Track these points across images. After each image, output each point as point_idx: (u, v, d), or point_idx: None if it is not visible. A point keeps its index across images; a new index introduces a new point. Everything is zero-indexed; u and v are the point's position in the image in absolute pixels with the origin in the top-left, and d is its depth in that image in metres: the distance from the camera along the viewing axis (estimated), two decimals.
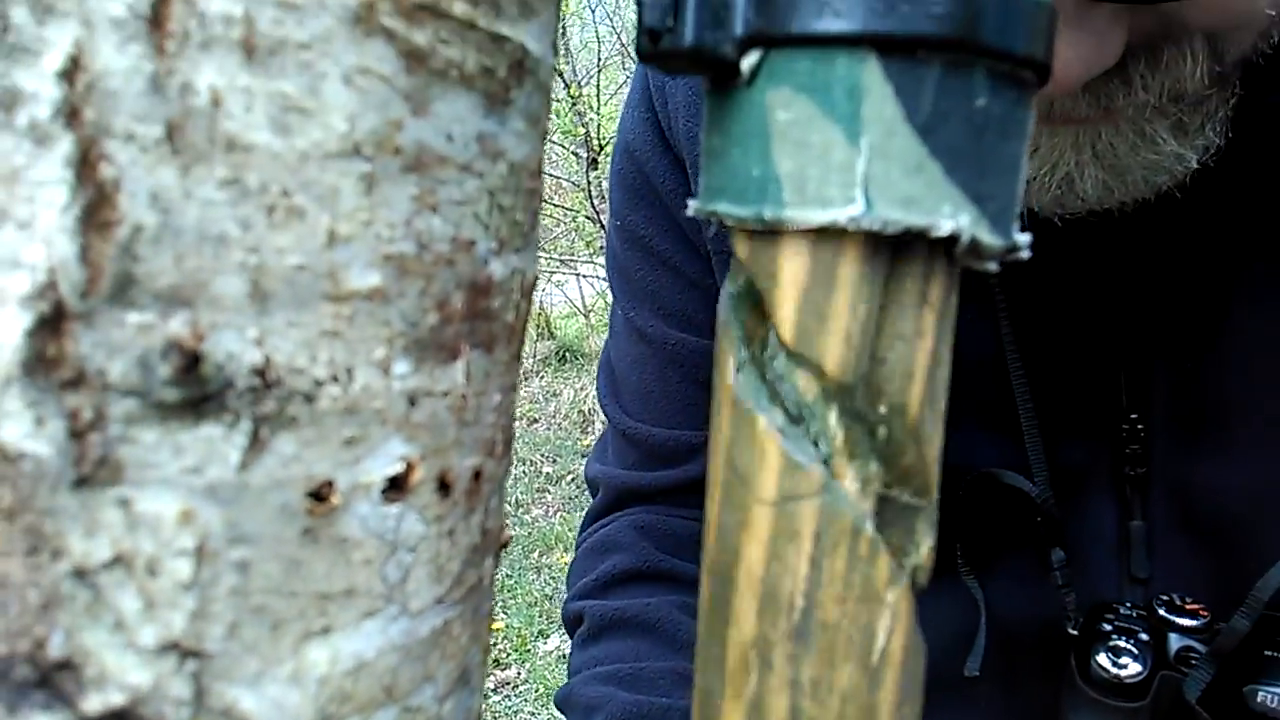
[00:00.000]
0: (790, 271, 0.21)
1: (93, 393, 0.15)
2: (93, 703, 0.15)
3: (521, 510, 3.76)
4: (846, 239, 0.21)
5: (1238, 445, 0.59)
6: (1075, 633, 0.57)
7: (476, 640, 0.23)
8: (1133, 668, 0.53)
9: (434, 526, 0.20)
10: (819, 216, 0.20)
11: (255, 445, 0.17)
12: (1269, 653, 0.52)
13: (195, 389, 0.16)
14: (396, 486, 0.19)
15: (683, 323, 0.73)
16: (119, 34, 0.15)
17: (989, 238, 0.21)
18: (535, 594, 3.15)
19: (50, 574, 0.15)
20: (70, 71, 0.15)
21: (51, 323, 0.15)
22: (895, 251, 0.21)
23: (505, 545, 0.25)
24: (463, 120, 0.19)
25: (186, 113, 0.16)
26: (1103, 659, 0.53)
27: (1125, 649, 0.54)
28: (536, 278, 0.24)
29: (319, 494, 0.18)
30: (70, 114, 0.15)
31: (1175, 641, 0.54)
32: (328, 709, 0.18)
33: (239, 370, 0.16)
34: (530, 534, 3.48)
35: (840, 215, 0.20)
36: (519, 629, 2.97)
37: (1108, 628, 0.55)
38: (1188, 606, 0.56)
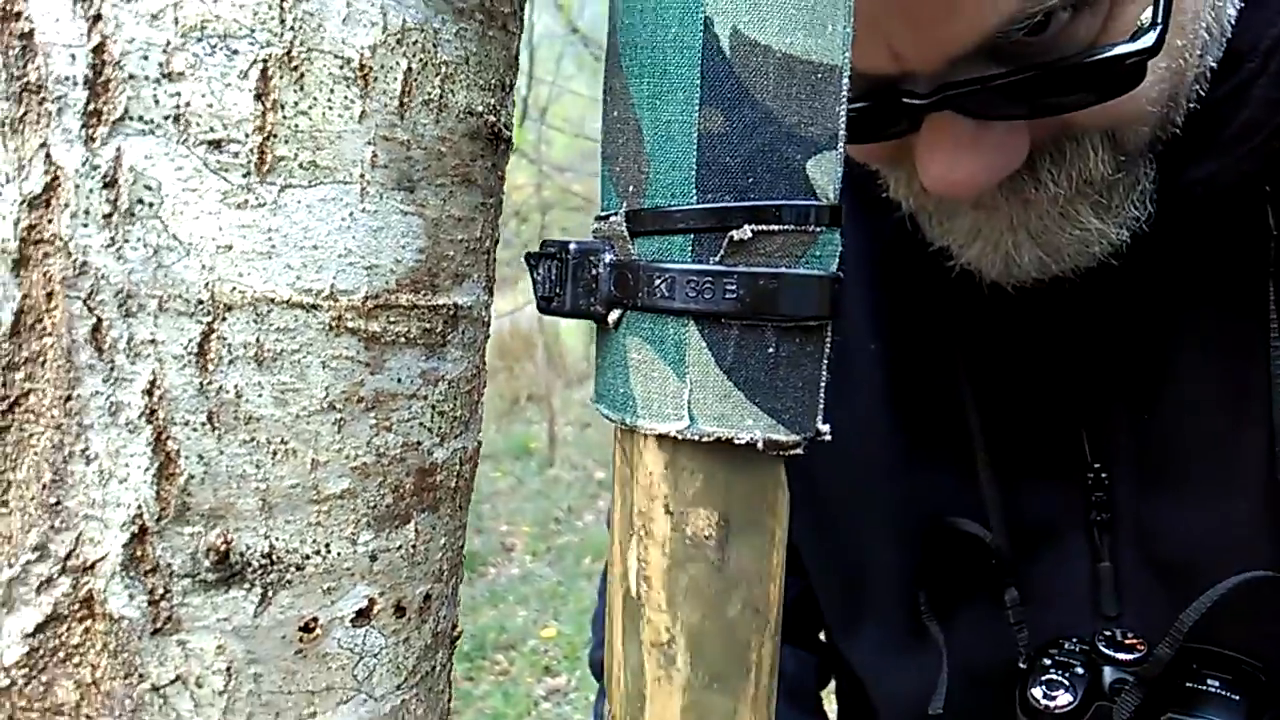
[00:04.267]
0: (645, 458, 0.31)
1: (163, 577, 0.26)
2: None
3: (573, 516, 3.87)
4: (681, 441, 0.30)
5: (1192, 489, 0.65)
6: (1024, 667, 0.65)
7: (432, 711, 0.33)
8: (1063, 699, 0.61)
9: (392, 638, 0.31)
10: (660, 428, 0.30)
11: (264, 601, 0.27)
12: (1189, 684, 0.60)
13: (225, 571, 0.26)
14: (363, 615, 0.30)
15: None
16: (178, 363, 0.25)
17: (783, 437, 0.30)
18: (585, 601, 3.26)
19: (138, 689, 0.26)
20: (150, 389, 0.25)
21: (138, 537, 0.26)
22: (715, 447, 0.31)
23: (457, 638, 0.35)
24: (408, 367, 0.30)
25: (220, 404, 0.26)
26: (1037, 691, 0.62)
27: (1059, 681, 0.62)
28: (480, 444, 0.34)
29: (307, 627, 0.28)
30: (150, 414, 0.25)
31: (1110, 674, 0.62)
32: None
33: (254, 556, 0.27)
34: (581, 540, 3.60)
35: (672, 428, 0.30)
36: (569, 636, 3.08)
37: (1048, 662, 0.63)
38: (1127, 641, 0.64)
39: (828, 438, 0.32)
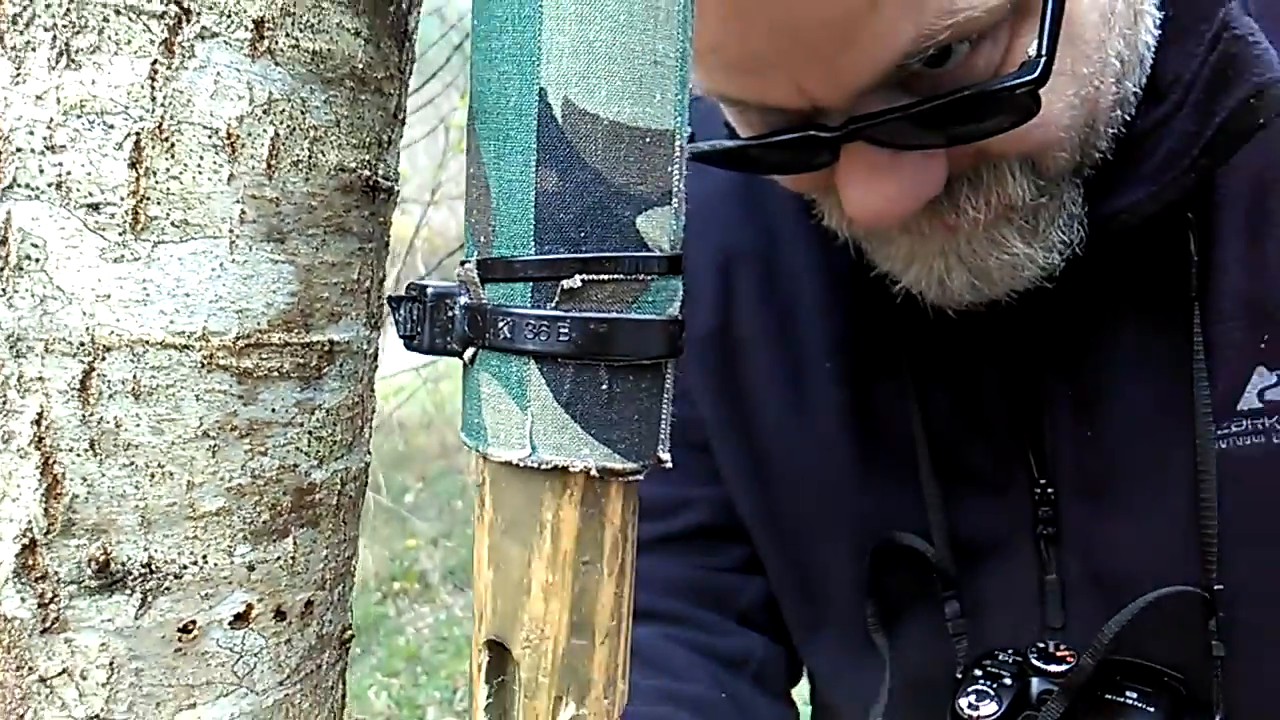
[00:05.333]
0: (492, 480, 0.34)
1: (50, 583, 0.30)
2: None
3: None
4: (522, 469, 0.34)
5: (1129, 505, 0.68)
6: (959, 678, 0.68)
7: (320, 705, 0.37)
8: (987, 708, 0.64)
9: (273, 639, 0.34)
10: (505, 455, 0.34)
11: (144, 605, 0.31)
12: (1108, 695, 0.62)
13: (107, 579, 0.30)
14: (240, 619, 0.33)
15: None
16: (63, 397, 0.29)
17: (620, 465, 0.34)
18: None
19: (27, 680, 0.30)
20: (38, 420, 0.29)
21: (29, 548, 0.30)
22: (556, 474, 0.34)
23: (349, 640, 0.39)
24: (283, 397, 0.33)
25: (101, 433, 0.30)
26: (963, 702, 0.64)
27: (986, 692, 0.64)
28: (367, 463, 0.38)
29: (186, 628, 0.32)
30: (38, 441, 0.29)
31: (1038, 685, 0.65)
32: None
33: (134, 565, 0.31)
34: None
35: (514, 456, 0.33)
36: None
37: (979, 673, 0.66)
38: (1058, 653, 0.66)
39: (667, 464, 0.35)
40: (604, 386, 0.33)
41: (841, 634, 0.79)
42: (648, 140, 0.32)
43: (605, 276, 0.32)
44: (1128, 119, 0.59)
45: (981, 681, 0.66)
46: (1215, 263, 0.61)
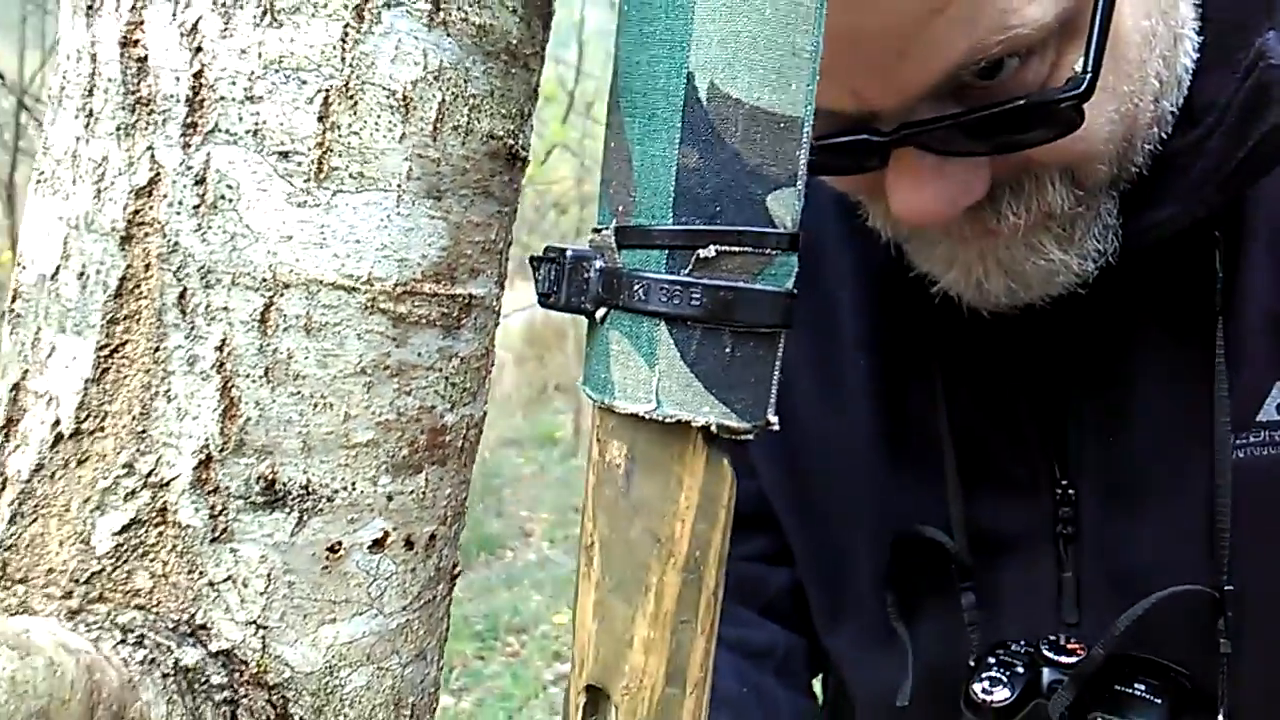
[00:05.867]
0: (617, 433, 0.37)
1: (221, 497, 0.33)
2: (214, 645, 0.33)
3: None
4: (646, 421, 0.36)
5: (1148, 508, 0.71)
6: (972, 665, 0.71)
7: (432, 634, 0.40)
8: (1000, 694, 0.67)
9: (401, 566, 0.37)
10: (632, 408, 0.36)
11: (300, 524, 0.34)
12: (1118, 686, 0.66)
13: (271, 496, 0.33)
14: (378, 544, 0.36)
15: None
16: (245, 327, 0.32)
17: (735, 424, 0.36)
18: None
19: (198, 584, 0.33)
20: (221, 347, 0.32)
21: (204, 464, 0.32)
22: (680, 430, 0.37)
23: (456, 575, 0.42)
24: (428, 344, 0.36)
25: (275, 362, 0.33)
26: (977, 687, 0.68)
27: (999, 678, 0.68)
28: (485, 413, 0.41)
29: (333, 549, 0.35)
30: (220, 366, 0.32)
31: (1049, 675, 0.68)
32: (332, 661, 0.35)
33: (294, 486, 0.34)
34: None
35: (641, 409, 0.36)
36: None
37: (993, 661, 0.69)
38: (1069, 645, 0.69)
39: (775, 428, 0.38)
40: (726, 350, 0.36)
41: (864, 622, 0.82)
42: (781, 126, 0.35)
43: (735, 249, 0.35)
44: (1164, 137, 0.63)
45: (995, 669, 0.69)
46: (1241, 280, 0.64)
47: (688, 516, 0.38)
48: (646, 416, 0.36)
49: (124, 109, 0.33)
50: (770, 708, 0.82)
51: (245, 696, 0.33)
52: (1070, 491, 0.74)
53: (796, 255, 0.37)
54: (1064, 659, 0.69)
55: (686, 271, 0.35)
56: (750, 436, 0.38)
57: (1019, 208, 0.61)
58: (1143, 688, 0.66)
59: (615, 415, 0.37)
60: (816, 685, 0.95)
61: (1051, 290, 0.65)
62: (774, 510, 0.86)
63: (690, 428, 0.37)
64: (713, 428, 0.36)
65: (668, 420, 0.36)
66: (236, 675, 0.33)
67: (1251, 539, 0.65)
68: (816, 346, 0.81)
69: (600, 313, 0.37)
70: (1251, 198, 0.65)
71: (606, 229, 0.37)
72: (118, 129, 0.33)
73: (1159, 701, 0.65)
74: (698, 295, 0.35)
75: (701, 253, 0.35)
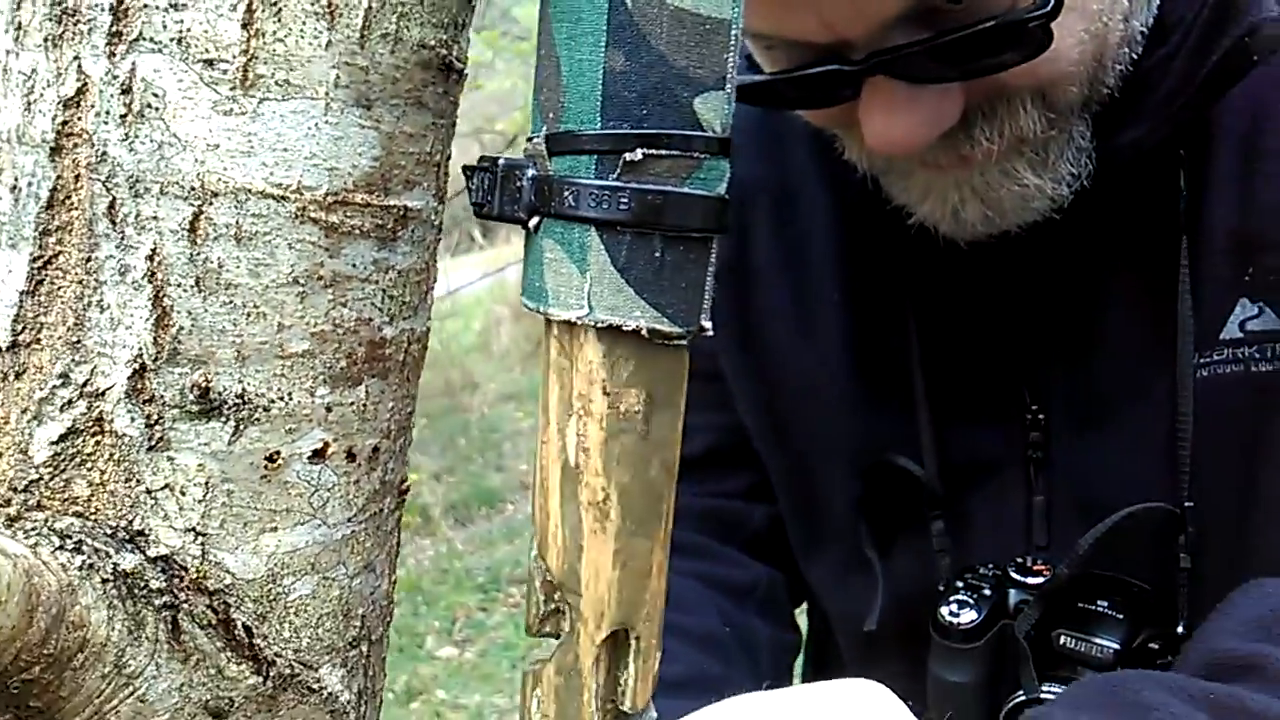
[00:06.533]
0: (585, 350, 0.37)
1: (157, 406, 0.33)
2: (152, 551, 0.33)
3: None
4: (580, 326, 0.37)
5: (1115, 431, 0.72)
6: (942, 590, 0.72)
7: (380, 547, 0.41)
8: (967, 616, 0.68)
9: (343, 478, 0.38)
10: (565, 315, 0.37)
11: (237, 433, 0.35)
12: (1081, 604, 0.67)
13: (206, 405, 0.34)
14: (318, 455, 0.37)
15: None
16: (174, 236, 0.32)
17: (667, 328, 0.37)
18: None
19: (135, 491, 0.33)
20: (151, 256, 0.32)
21: (139, 373, 0.33)
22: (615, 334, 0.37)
23: (405, 491, 0.42)
24: (362, 255, 0.36)
25: (206, 271, 0.33)
26: (944, 610, 0.69)
27: (967, 601, 0.69)
28: (428, 328, 0.41)
29: (271, 458, 0.35)
30: (151, 276, 0.32)
31: (1015, 596, 0.69)
32: (274, 569, 0.36)
33: (229, 395, 0.34)
34: None
35: (573, 315, 0.37)
36: None
37: (960, 585, 0.70)
38: (1035, 567, 0.70)
39: (710, 333, 0.38)
40: (657, 254, 0.36)
41: (838, 550, 0.83)
42: (707, 27, 0.35)
43: (663, 152, 0.35)
44: (1135, 57, 0.63)
45: (962, 592, 0.70)
46: (1205, 199, 0.64)
47: (680, 438, 0.39)
48: (579, 322, 0.37)
49: (51, 19, 0.33)
50: (751, 646, 0.83)
51: (186, 601, 0.34)
52: (1040, 417, 0.74)
53: (728, 161, 0.37)
54: (1030, 580, 0.70)
55: (615, 176, 0.36)
56: (684, 342, 0.38)
57: (992, 132, 0.61)
58: (1105, 604, 0.67)
59: (629, 364, 0.37)
60: (802, 618, 0.96)
61: (1027, 217, 0.66)
62: (752, 444, 0.86)
63: (684, 356, 0.37)
64: (644, 332, 0.37)
65: (599, 325, 0.36)
66: (176, 580, 0.34)
67: (1212, 456, 0.66)
68: (792, 283, 0.82)
69: (534, 221, 0.37)
70: (1216, 116, 0.65)
71: (538, 137, 0.37)
72: (45, 40, 0.33)
73: (1121, 617, 0.66)
74: (626, 200, 0.35)
75: (629, 156, 0.35)
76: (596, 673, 0.39)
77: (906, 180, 0.67)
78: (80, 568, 0.32)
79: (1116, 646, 0.65)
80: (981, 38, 0.55)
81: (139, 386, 0.33)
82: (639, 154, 0.35)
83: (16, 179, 0.34)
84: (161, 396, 0.34)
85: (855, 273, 0.79)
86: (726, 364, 0.85)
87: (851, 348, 0.80)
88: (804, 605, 0.96)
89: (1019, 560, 0.72)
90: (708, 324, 0.38)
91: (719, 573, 0.86)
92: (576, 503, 0.39)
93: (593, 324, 0.37)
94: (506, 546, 3.94)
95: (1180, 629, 0.66)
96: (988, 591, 0.69)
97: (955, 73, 0.58)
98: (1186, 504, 0.66)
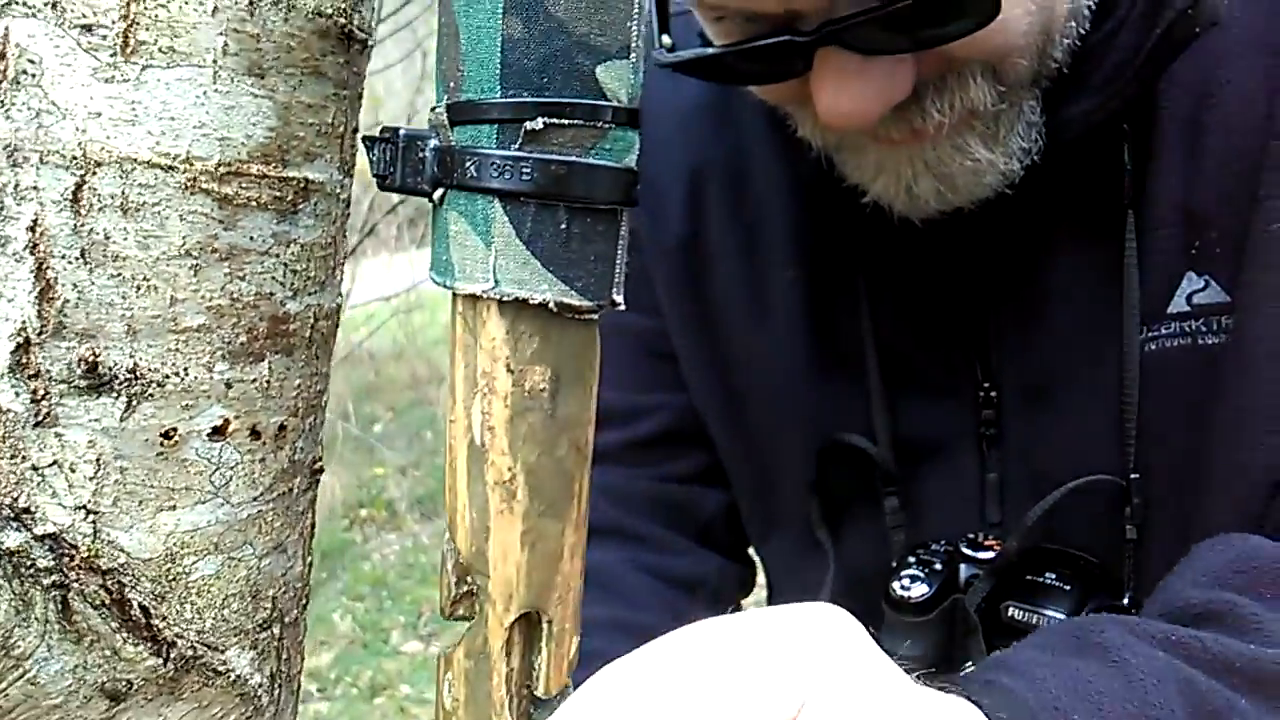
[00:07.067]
0: (488, 326, 0.37)
1: (43, 381, 0.33)
2: (39, 529, 0.33)
3: None
4: (485, 300, 0.36)
5: (1064, 406, 0.72)
6: (894, 566, 0.72)
7: (291, 527, 0.40)
8: (918, 590, 0.68)
9: (248, 456, 0.37)
10: (470, 288, 0.36)
11: (129, 408, 0.34)
12: (1030, 577, 0.67)
13: (95, 380, 0.33)
14: (218, 432, 0.36)
15: (630, 303, 0.87)
16: (56, 207, 0.32)
17: (576, 301, 0.36)
18: None
19: (20, 468, 0.33)
20: (33, 227, 0.32)
21: (23, 347, 0.32)
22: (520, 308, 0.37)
23: (319, 471, 0.42)
24: (260, 227, 0.36)
25: (92, 243, 0.32)
26: (896, 585, 0.69)
27: (918, 576, 0.69)
28: (339, 305, 0.41)
29: (167, 434, 0.35)
30: (33, 248, 0.32)
31: (966, 570, 0.69)
32: (173, 548, 0.35)
33: (120, 370, 0.33)
34: None
35: (479, 289, 0.36)
36: None
37: (912, 560, 0.70)
38: (986, 542, 0.70)
39: (621, 307, 0.38)
40: (562, 226, 0.36)
41: (792, 530, 0.83)
42: None
43: (565, 121, 0.35)
44: (1082, 31, 0.62)
45: (914, 567, 0.70)
46: (1151, 172, 0.64)
47: (592, 420, 0.39)
48: (485, 296, 0.36)
49: None
50: None
51: (76, 581, 0.33)
52: (993, 394, 0.74)
53: (635, 132, 0.37)
54: (981, 555, 0.70)
55: (517, 146, 0.35)
56: (594, 316, 0.38)
57: (943, 105, 0.60)
58: (1054, 576, 0.67)
59: (533, 341, 0.37)
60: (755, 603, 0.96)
61: (979, 193, 0.65)
62: (705, 426, 0.86)
63: (594, 332, 0.37)
64: (552, 305, 0.36)
65: (504, 299, 0.36)
66: (66, 559, 0.33)
67: (1159, 428, 0.66)
68: (747, 262, 0.81)
69: (438, 193, 0.37)
70: (1160, 90, 0.64)
71: (440, 106, 0.36)
72: None
73: (1069, 588, 0.66)
74: (528, 170, 0.35)
75: (530, 125, 0.35)
76: (507, 656, 0.39)
77: (859, 157, 0.67)
78: None
79: (1063, 617, 0.65)
80: (930, 6, 0.54)
81: (23, 361, 0.33)
82: (540, 123, 0.35)
83: None
84: (48, 371, 0.33)
85: (809, 252, 0.79)
86: (680, 344, 0.84)
87: (806, 328, 0.79)
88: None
89: (971, 536, 0.72)
90: (619, 297, 0.38)
91: (670, 565, 0.85)
92: (484, 483, 0.38)
93: (498, 297, 0.36)
94: None
95: (1126, 600, 0.66)
96: (939, 566, 0.69)
97: (906, 43, 0.57)
98: (1133, 476, 0.66)
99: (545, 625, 0.39)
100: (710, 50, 0.64)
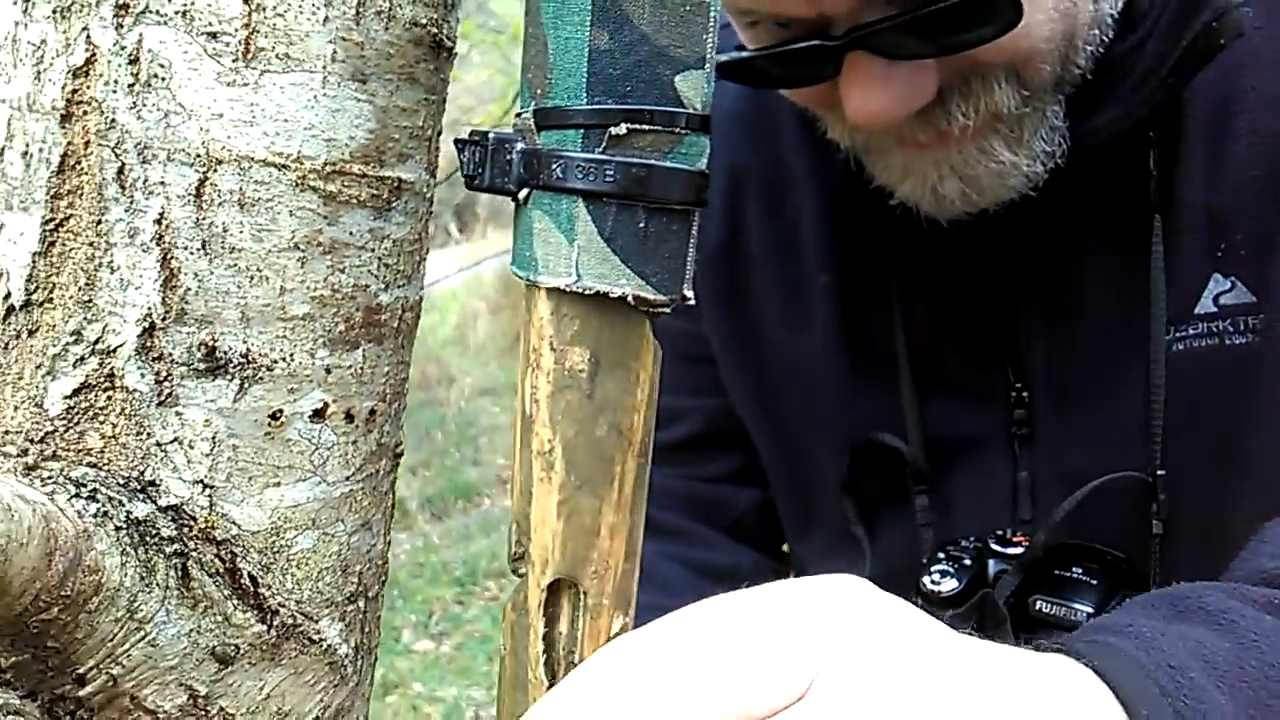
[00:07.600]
0: (537, 307, 0.39)
1: (165, 363, 0.35)
2: (163, 501, 0.35)
3: None
4: (569, 294, 0.39)
5: (1094, 406, 0.74)
6: (925, 562, 0.75)
7: (376, 506, 0.43)
8: (948, 585, 0.70)
9: (342, 438, 0.40)
10: (554, 282, 0.39)
11: (241, 390, 0.36)
12: (1058, 571, 0.69)
13: (212, 363, 0.36)
14: (318, 414, 0.39)
15: None
16: (181, 201, 0.34)
17: (651, 295, 0.39)
18: None
19: (145, 444, 0.35)
20: (159, 219, 0.34)
21: (148, 331, 0.35)
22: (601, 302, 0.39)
23: (400, 455, 0.44)
24: (359, 223, 0.38)
25: (211, 235, 0.35)
26: (927, 579, 0.71)
27: (948, 571, 0.71)
28: (421, 297, 0.43)
29: (275, 415, 0.37)
30: (159, 239, 0.34)
31: (995, 565, 0.72)
32: (278, 522, 0.38)
33: (234, 355, 0.36)
34: None
35: (562, 282, 0.39)
36: None
37: (942, 556, 0.73)
38: (1015, 539, 0.73)
39: (691, 301, 0.40)
40: (641, 225, 0.38)
41: (828, 529, 0.85)
42: (687, 8, 0.37)
43: (645, 127, 0.38)
44: (1105, 40, 0.65)
45: (944, 562, 0.72)
46: (1176, 177, 0.67)
47: (642, 408, 0.41)
48: (568, 289, 0.39)
49: None
50: None
51: (195, 550, 0.36)
52: (1025, 394, 0.77)
53: (708, 138, 0.39)
54: (1009, 550, 0.72)
55: (601, 150, 0.38)
56: (666, 310, 0.40)
57: (968, 108, 0.63)
58: (1080, 570, 0.70)
59: (574, 323, 0.39)
60: None
61: (1004, 194, 0.68)
62: (744, 427, 0.89)
63: (644, 326, 0.39)
64: (629, 299, 0.39)
65: (586, 292, 0.38)
66: (186, 530, 0.36)
67: (1185, 426, 0.69)
68: (782, 269, 0.84)
69: (523, 193, 0.39)
70: (1184, 97, 0.67)
71: (526, 112, 0.39)
72: (54, 11, 0.35)
73: (1095, 583, 0.69)
74: (612, 172, 0.37)
75: (614, 130, 0.37)
76: (542, 616, 0.41)
77: (886, 159, 0.70)
78: (95, 515, 0.34)
79: (1091, 610, 0.67)
80: (955, 12, 0.57)
81: (148, 344, 0.35)
82: (623, 128, 0.37)
83: (28, 145, 0.35)
84: (170, 354, 0.35)
85: (842, 255, 0.81)
86: (718, 347, 0.87)
87: (839, 330, 0.82)
88: None
89: (999, 532, 0.74)
90: (689, 293, 0.40)
91: (702, 557, 0.88)
92: (530, 451, 0.41)
93: (581, 291, 0.39)
94: (483, 540, 3.96)
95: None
96: (969, 561, 0.72)
97: (931, 48, 0.60)
98: (1159, 473, 0.68)
99: (581, 597, 0.41)
100: (744, 54, 0.67)
